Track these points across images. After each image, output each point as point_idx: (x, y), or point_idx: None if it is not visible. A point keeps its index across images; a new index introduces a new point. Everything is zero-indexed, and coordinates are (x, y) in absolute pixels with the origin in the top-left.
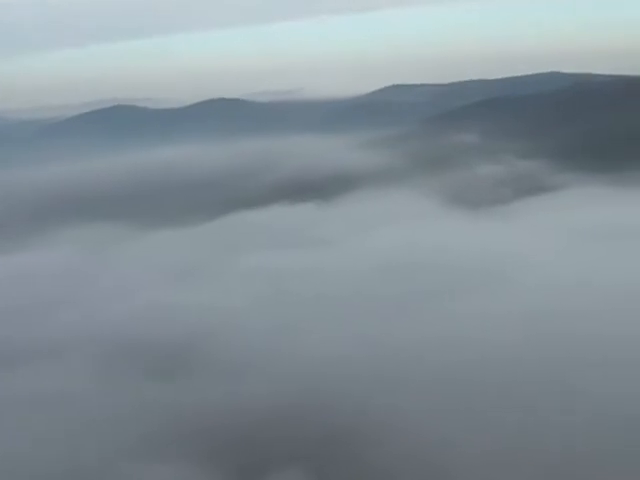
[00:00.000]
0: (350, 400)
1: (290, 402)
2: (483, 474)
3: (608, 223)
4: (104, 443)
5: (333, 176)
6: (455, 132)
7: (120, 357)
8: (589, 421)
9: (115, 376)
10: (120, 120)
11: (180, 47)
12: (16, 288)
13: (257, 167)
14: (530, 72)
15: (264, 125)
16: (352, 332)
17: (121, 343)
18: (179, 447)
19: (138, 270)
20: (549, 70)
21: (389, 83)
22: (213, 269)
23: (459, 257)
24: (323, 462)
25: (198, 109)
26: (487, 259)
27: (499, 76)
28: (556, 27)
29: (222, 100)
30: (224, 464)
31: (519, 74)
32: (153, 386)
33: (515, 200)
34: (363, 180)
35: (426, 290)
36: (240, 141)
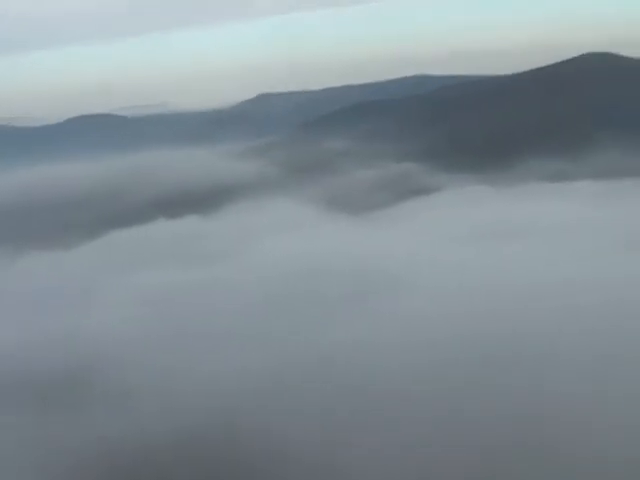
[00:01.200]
0: (252, 419)
1: (185, 428)
2: None
3: (488, 221)
4: None
5: (211, 188)
6: (327, 138)
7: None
8: (504, 417)
9: None
10: None
11: (47, 63)
12: None
13: (133, 183)
14: (398, 76)
15: (137, 140)
16: (251, 349)
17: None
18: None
19: (13, 296)
20: (416, 73)
21: (258, 92)
22: (97, 291)
23: (350, 263)
24: None
25: (68, 126)
26: (379, 263)
27: (367, 80)
28: (422, 30)
29: (93, 116)
30: None
31: (387, 78)
32: (35, 419)
33: (395, 203)
34: (242, 191)
35: (324, 298)
36: (113, 157)
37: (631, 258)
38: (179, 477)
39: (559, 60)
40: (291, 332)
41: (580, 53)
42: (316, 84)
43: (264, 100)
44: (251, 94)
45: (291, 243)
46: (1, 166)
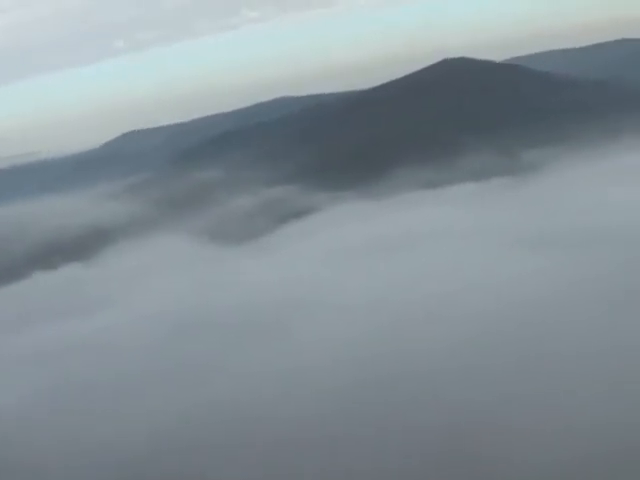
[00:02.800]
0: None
1: None
2: None
3: (373, 235)
4: None
5: (88, 233)
6: (200, 169)
7: None
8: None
9: None
10: None
11: None
12: None
13: (2, 239)
14: (262, 100)
15: (5, 193)
16: (152, 399)
17: None
18: None
19: None
20: (279, 95)
21: (126, 130)
22: None
23: (242, 293)
24: None
25: None
26: (272, 290)
27: (233, 108)
28: (279, 53)
29: None
30: None
31: (252, 103)
32: None
33: (277, 227)
34: (119, 232)
35: (223, 333)
36: None
37: (520, 255)
38: None
39: (417, 69)
40: (196, 374)
41: (437, 60)
42: (183, 116)
43: (133, 137)
44: (118, 132)
45: (177, 280)
46: None
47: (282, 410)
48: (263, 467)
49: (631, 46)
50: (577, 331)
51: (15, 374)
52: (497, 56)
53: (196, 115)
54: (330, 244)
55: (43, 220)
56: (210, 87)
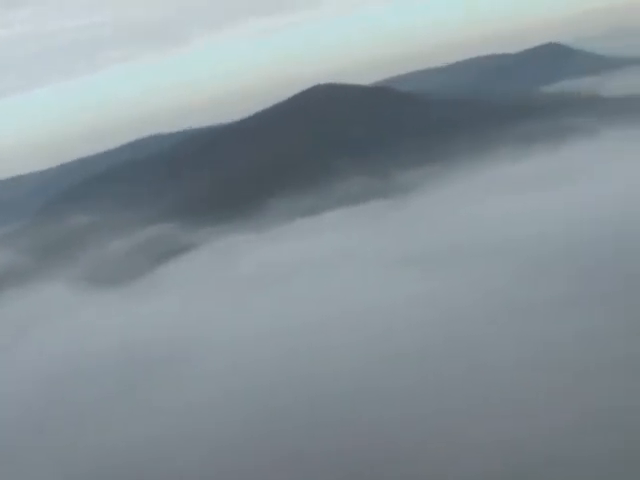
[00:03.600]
0: None
1: None
2: None
3: (257, 267)
4: None
5: None
6: (73, 214)
7: None
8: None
9: None
10: None
11: None
12: None
13: None
14: (130, 139)
15: None
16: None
17: None
18: None
19: None
20: (149, 134)
21: None
22: None
23: (125, 338)
24: None
25: None
26: (157, 331)
27: (101, 150)
28: (148, 91)
29: None
30: None
31: (121, 143)
32: None
33: (156, 267)
34: None
35: (112, 379)
36: None
37: (406, 275)
38: None
39: (288, 96)
40: (76, 421)
41: (307, 87)
42: (50, 161)
43: (3, 185)
44: None
45: (56, 328)
46: None
47: (175, 454)
48: None
49: (489, 61)
50: (473, 345)
51: None
52: (365, 79)
53: (64, 160)
54: (212, 279)
55: None
56: (76, 131)
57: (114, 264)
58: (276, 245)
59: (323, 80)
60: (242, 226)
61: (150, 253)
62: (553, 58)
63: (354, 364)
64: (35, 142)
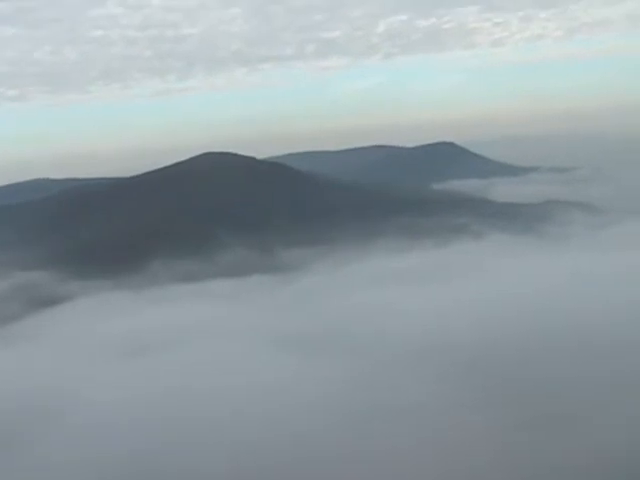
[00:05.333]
0: None
1: None
2: None
3: (129, 330)
4: None
5: None
6: None
7: None
8: None
9: None
10: None
11: None
12: None
13: None
14: (17, 180)
15: None
16: None
17: None
18: None
19: None
20: (36, 177)
21: None
22: None
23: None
24: None
25: None
26: (16, 389)
27: None
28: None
29: None
30: None
31: (4, 183)
32: None
33: (26, 315)
34: None
35: None
36: None
37: (279, 356)
38: None
39: (178, 160)
40: None
41: (199, 153)
42: None
43: None
44: None
45: None
46: None
47: None
48: None
49: (384, 151)
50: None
51: None
52: (259, 153)
53: None
54: (82, 336)
55: None
56: None
57: None
58: (151, 309)
59: (217, 148)
60: (121, 283)
61: (22, 300)
62: (446, 157)
63: (198, 438)
64: None
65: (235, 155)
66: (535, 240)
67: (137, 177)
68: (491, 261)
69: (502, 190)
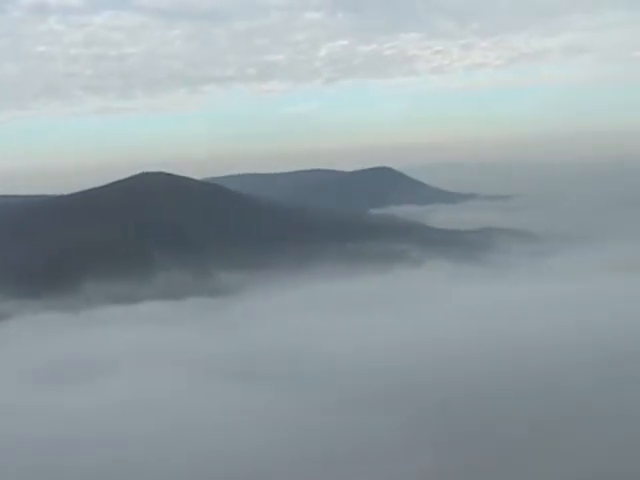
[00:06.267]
0: None
1: None
2: None
3: (54, 356)
4: None
5: None
6: None
7: None
8: None
9: None
10: None
11: None
12: None
13: None
14: None
15: None
16: None
17: None
18: None
19: None
20: None
21: None
22: None
23: None
24: None
25: None
26: None
27: None
28: None
29: None
30: None
31: None
32: None
33: None
34: None
35: None
36: None
37: (214, 384)
38: None
39: (115, 180)
40: None
41: (135, 173)
42: None
43: None
44: None
45: None
46: None
47: None
48: None
49: (323, 175)
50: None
51: None
52: (198, 174)
53: None
54: (17, 360)
55: None
56: None
57: None
58: (83, 331)
59: (155, 168)
60: (51, 305)
61: None
62: (384, 182)
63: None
64: None
65: (173, 176)
66: (475, 267)
67: (74, 195)
68: (431, 288)
69: (440, 217)
